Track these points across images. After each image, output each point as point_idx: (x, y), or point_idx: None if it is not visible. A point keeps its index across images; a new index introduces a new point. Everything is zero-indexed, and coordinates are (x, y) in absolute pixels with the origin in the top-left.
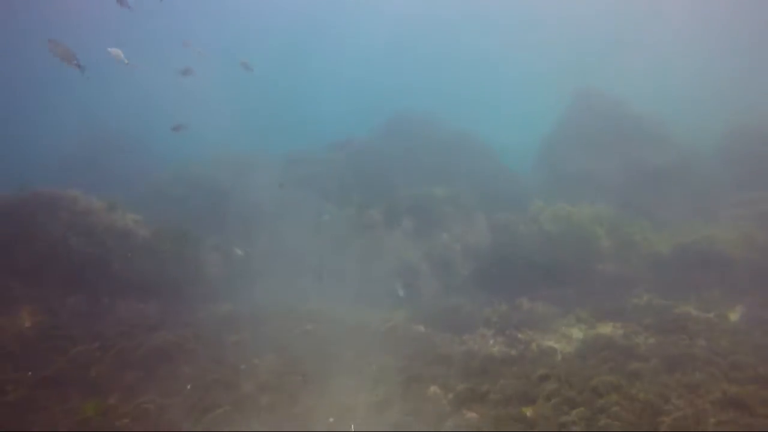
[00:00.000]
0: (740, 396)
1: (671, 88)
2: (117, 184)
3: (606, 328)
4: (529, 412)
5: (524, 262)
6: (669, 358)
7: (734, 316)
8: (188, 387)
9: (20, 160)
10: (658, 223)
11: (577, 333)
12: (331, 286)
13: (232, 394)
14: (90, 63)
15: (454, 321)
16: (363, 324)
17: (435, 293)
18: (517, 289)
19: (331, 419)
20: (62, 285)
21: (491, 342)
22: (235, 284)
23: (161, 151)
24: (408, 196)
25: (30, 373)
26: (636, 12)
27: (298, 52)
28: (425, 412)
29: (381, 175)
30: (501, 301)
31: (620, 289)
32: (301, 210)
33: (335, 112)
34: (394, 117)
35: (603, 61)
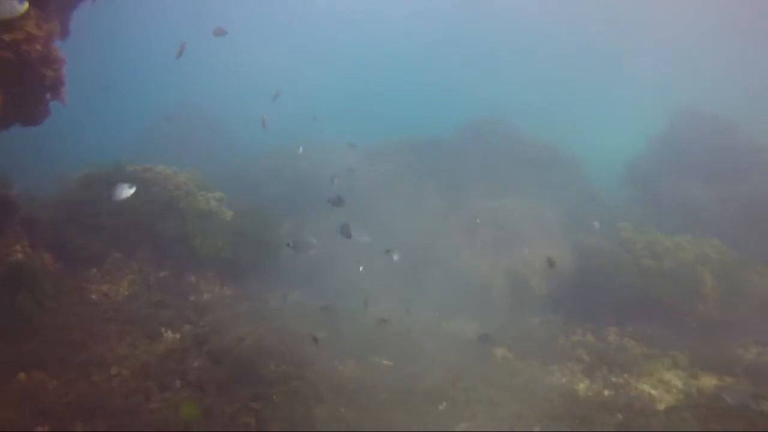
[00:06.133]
0: None
1: None
2: (202, 161)
3: (710, 381)
4: None
5: (610, 290)
6: None
7: None
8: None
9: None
10: None
11: (675, 380)
12: (402, 289)
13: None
14: None
15: (535, 346)
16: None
17: (509, 309)
18: (598, 317)
19: None
20: (153, 259)
21: (586, 381)
22: (307, 272)
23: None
24: (487, 208)
25: None
26: None
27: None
28: None
29: (459, 181)
30: (583, 329)
31: (723, 336)
32: (378, 206)
33: (412, 107)
34: (473, 121)
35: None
